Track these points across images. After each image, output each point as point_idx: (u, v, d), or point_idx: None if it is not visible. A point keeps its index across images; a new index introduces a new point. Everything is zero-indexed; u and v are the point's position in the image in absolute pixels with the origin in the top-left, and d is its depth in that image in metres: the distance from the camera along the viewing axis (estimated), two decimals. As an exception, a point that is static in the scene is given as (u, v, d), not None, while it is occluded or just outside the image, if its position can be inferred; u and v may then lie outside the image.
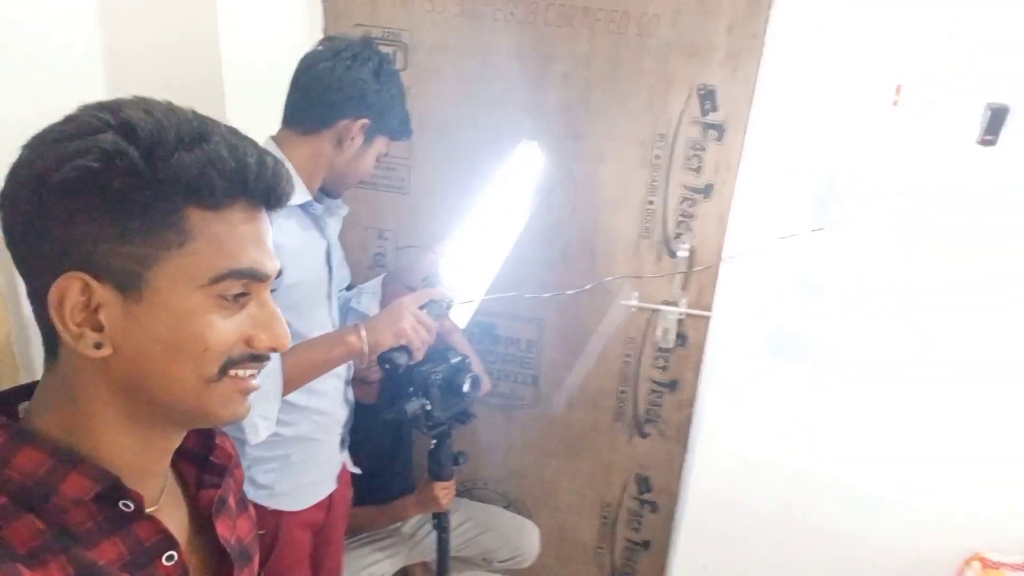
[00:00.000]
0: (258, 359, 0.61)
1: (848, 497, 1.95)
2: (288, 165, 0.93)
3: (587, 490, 2.27)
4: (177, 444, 0.65)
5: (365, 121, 1.36)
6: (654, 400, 2.10)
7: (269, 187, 0.59)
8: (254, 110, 1.48)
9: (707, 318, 1.95)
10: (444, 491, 1.78)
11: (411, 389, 1.55)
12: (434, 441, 1.70)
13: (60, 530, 0.54)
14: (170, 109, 0.56)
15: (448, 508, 1.81)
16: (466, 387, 1.61)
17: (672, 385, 2.07)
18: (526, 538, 2.18)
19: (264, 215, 0.61)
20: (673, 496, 2.20)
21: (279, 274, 0.64)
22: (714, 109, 1.79)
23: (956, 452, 1.84)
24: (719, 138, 1.80)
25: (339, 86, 1.33)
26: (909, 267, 1.72)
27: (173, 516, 0.65)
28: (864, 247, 1.73)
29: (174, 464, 0.69)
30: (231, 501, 0.73)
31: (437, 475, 1.76)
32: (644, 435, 2.15)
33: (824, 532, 2.00)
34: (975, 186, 1.59)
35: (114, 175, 0.52)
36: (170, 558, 0.60)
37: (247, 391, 0.62)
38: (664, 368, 2.06)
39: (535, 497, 2.32)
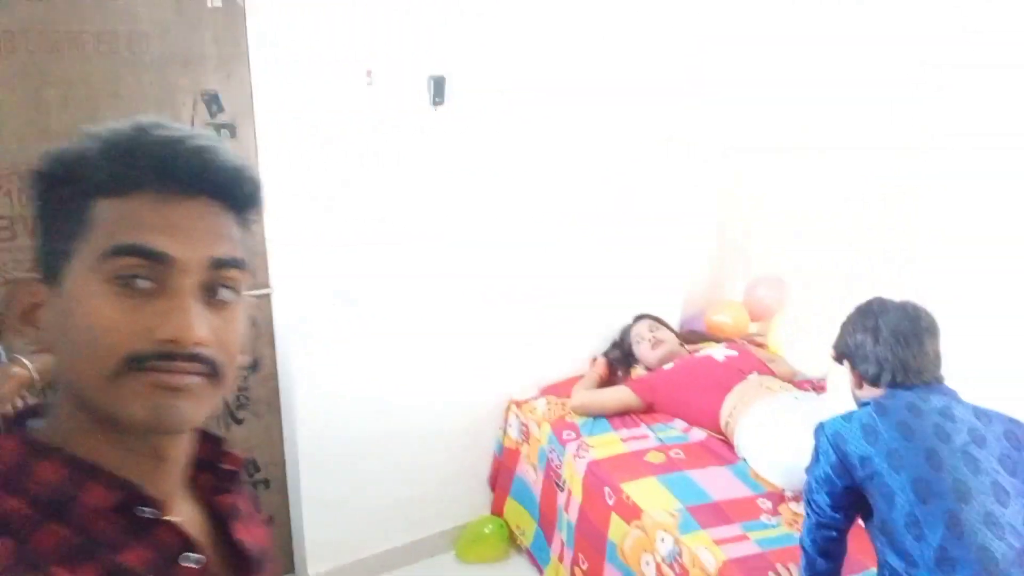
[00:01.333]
0: (172, 357, 0.55)
1: (417, 393, 2.44)
2: None
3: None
4: (174, 452, 0.62)
5: None
6: (241, 384, 2.25)
7: (197, 173, 0.57)
8: None
9: (268, 295, 2.19)
10: None
11: None
12: None
13: (86, 537, 0.55)
14: (138, 122, 0.58)
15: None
16: None
17: (254, 366, 2.25)
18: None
19: (198, 205, 0.58)
20: (281, 466, 2.40)
21: (228, 265, 0.59)
22: (221, 111, 2.01)
23: (478, 342, 2.48)
24: (232, 135, 2.03)
25: None
26: (407, 223, 2.24)
27: (191, 521, 0.65)
28: (374, 213, 2.18)
29: (190, 473, 0.68)
30: (244, 507, 0.73)
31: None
32: (239, 421, 2.29)
33: (406, 426, 2.47)
34: (434, 138, 2.18)
35: (42, 181, 0.58)
36: (186, 559, 0.60)
37: (169, 387, 0.55)
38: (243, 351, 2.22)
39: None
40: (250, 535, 0.70)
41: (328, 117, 2.04)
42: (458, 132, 2.21)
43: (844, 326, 1.56)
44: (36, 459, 0.56)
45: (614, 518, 2.06)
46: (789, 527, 1.88)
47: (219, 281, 0.59)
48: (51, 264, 0.58)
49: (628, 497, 2.04)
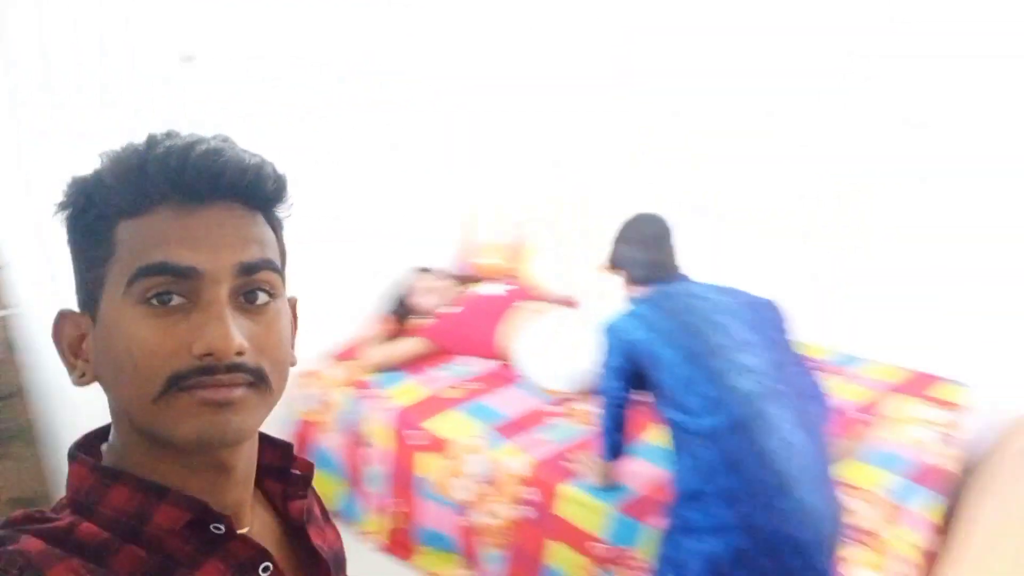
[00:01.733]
0: (211, 370, 0.54)
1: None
2: None
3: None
4: (237, 463, 0.61)
5: None
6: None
7: (210, 179, 0.55)
8: None
9: (8, 316, 1.98)
10: None
11: None
12: None
13: (163, 557, 0.55)
14: (151, 136, 0.57)
15: None
16: None
17: (12, 395, 2.03)
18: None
19: (217, 211, 0.56)
20: (47, 500, 2.18)
21: (257, 268, 0.57)
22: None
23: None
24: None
25: None
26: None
27: (264, 531, 0.65)
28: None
29: (258, 481, 0.67)
30: (317, 511, 0.73)
31: None
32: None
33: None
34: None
35: (67, 210, 0.58)
36: (266, 569, 0.60)
37: (216, 402, 0.54)
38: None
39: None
40: (324, 540, 0.70)
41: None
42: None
43: (614, 242, 1.81)
44: (107, 484, 0.56)
45: (421, 456, 2.20)
46: (576, 423, 2.15)
47: (253, 285, 0.57)
48: (89, 293, 0.57)
49: (432, 432, 2.19)
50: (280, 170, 0.61)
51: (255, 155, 0.59)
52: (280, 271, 0.60)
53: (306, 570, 0.67)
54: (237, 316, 0.55)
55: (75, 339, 0.59)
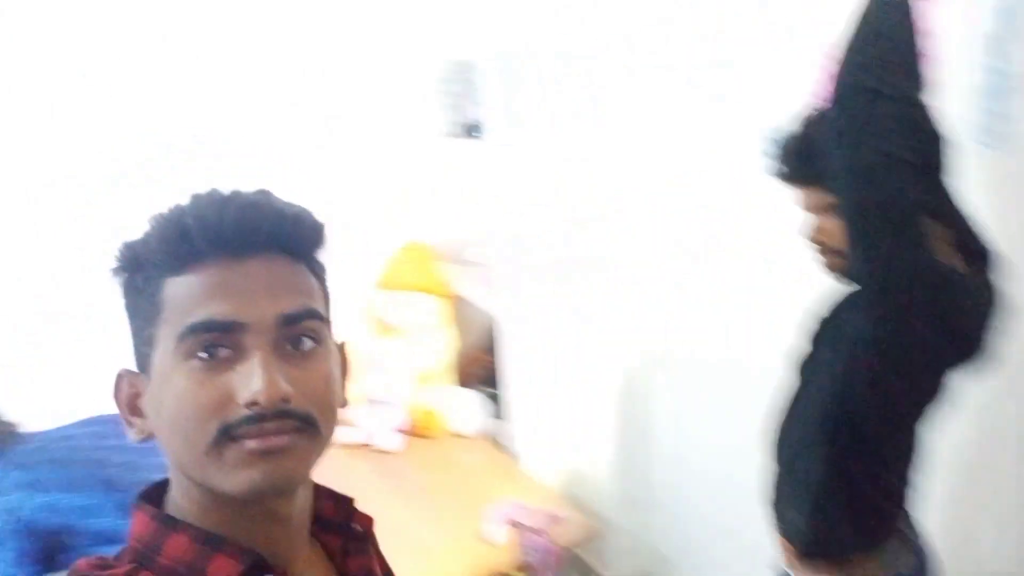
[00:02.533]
0: (258, 419, 0.54)
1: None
2: None
3: None
4: (290, 511, 0.62)
5: None
6: None
7: (248, 232, 0.57)
8: None
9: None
10: None
11: None
12: None
13: None
14: (194, 194, 0.58)
15: None
16: None
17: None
18: None
19: (258, 263, 0.57)
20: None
21: (300, 319, 0.58)
22: None
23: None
24: None
25: None
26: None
27: None
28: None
29: (316, 535, 0.68)
30: (377, 569, 0.72)
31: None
32: None
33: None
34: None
35: (119, 273, 0.60)
36: None
37: (265, 450, 0.55)
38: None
39: None
40: None
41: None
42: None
43: None
44: (166, 533, 0.58)
45: None
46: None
47: (297, 333, 0.58)
48: (143, 352, 0.59)
49: None
50: (319, 218, 0.62)
51: (293, 205, 0.60)
52: (323, 317, 0.61)
53: None
54: (283, 364, 0.56)
55: (132, 397, 0.61)
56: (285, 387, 0.55)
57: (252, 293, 0.56)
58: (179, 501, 0.60)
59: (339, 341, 0.65)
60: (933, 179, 1.09)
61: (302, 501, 0.63)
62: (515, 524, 2.09)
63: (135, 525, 0.60)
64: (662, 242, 2.05)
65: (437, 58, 2.57)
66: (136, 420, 0.61)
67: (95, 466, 1.46)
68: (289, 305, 0.57)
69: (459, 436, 2.63)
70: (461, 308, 2.83)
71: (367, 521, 0.71)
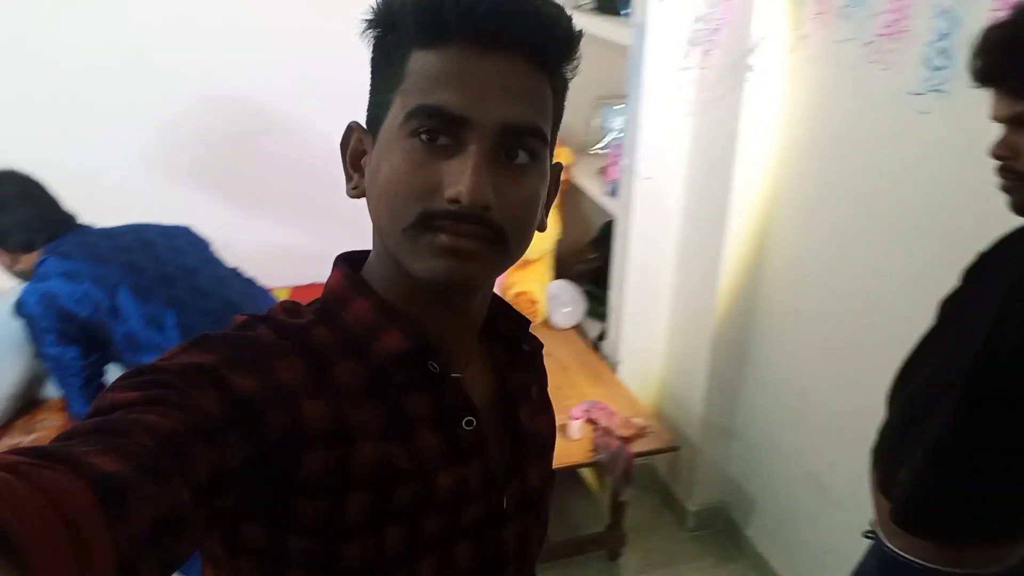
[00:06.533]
0: (456, 216, 0.54)
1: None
2: None
3: None
4: (467, 307, 0.64)
5: None
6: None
7: (502, 19, 0.54)
8: None
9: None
10: None
11: None
12: None
13: (378, 377, 0.59)
14: None
15: None
16: None
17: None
18: None
19: (501, 61, 0.55)
20: None
21: (522, 132, 0.56)
22: None
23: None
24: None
25: None
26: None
27: (477, 390, 0.65)
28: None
29: (490, 346, 0.70)
30: (534, 393, 0.73)
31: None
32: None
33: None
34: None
35: (372, 28, 0.59)
36: (469, 423, 0.62)
37: (454, 248, 0.55)
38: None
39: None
40: (533, 421, 0.70)
41: None
42: None
43: None
44: (354, 295, 0.61)
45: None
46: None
47: (516, 144, 0.57)
48: (375, 115, 0.59)
49: None
50: (574, 26, 0.59)
51: (553, 6, 0.57)
52: (546, 137, 0.59)
53: (506, 445, 0.67)
54: (495, 171, 0.55)
55: (357, 152, 0.62)
56: (489, 195, 0.54)
57: (486, 92, 0.55)
58: (374, 263, 0.63)
59: (556, 163, 0.64)
60: None
61: (479, 303, 0.65)
62: (594, 423, 2.06)
63: (330, 280, 0.64)
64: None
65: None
66: (355, 176, 0.62)
67: (128, 268, 1.54)
68: (516, 115, 0.56)
69: (551, 327, 2.60)
70: (573, 199, 2.73)
71: (537, 344, 0.73)
